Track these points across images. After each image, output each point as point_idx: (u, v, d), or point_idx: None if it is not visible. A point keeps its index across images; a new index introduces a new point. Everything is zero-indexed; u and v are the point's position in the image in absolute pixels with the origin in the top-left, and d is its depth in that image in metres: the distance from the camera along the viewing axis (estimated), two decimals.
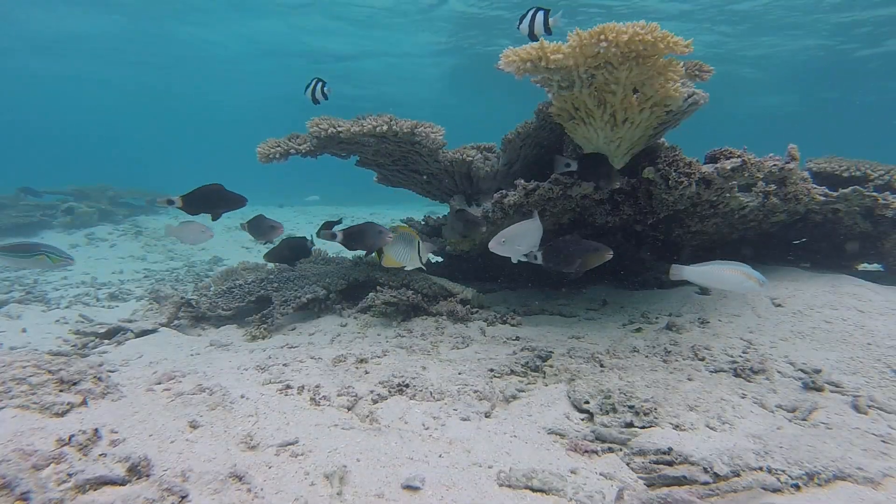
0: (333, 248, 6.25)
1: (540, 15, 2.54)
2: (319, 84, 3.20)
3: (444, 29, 14.31)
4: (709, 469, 1.46)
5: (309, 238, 3.16)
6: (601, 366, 2.23)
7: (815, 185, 3.09)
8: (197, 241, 2.83)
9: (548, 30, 2.55)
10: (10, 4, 12.38)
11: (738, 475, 1.45)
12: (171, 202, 2.53)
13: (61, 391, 1.68)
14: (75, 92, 25.27)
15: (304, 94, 3.24)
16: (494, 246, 2.21)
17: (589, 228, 3.25)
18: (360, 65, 18.13)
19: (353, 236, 2.51)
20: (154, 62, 18.04)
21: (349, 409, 1.88)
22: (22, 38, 14.99)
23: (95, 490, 1.28)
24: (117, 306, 4.19)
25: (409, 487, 1.40)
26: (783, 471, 1.44)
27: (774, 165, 2.93)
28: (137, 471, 1.34)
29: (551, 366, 2.26)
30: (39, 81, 21.90)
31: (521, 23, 2.57)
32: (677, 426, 1.72)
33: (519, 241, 2.24)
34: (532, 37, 2.54)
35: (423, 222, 4.28)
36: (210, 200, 2.63)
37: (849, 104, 21.59)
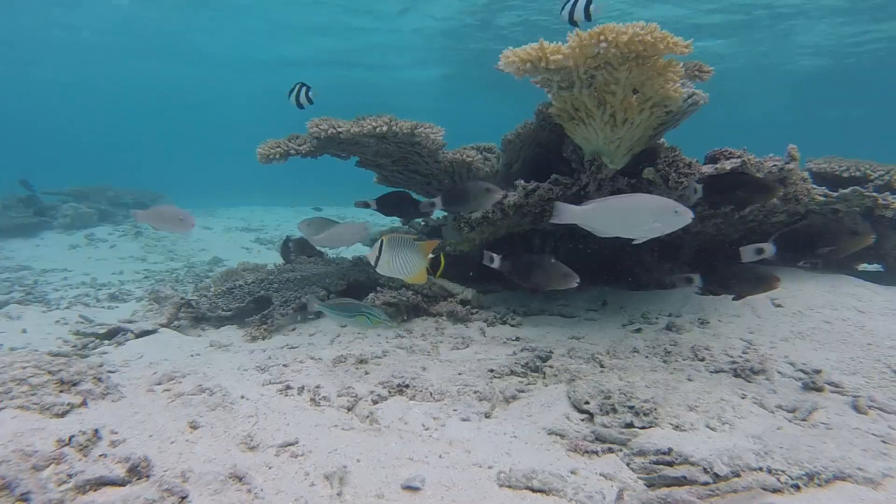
0: (333, 249, 6.24)
1: (582, 0, 2.47)
2: (304, 88, 3.12)
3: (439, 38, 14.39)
4: (709, 469, 1.46)
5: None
6: (601, 366, 2.23)
7: (815, 186, 3.09)
8: (357, 239, 2.79)
9: (587, 16, 2.46)
10: (10, 2, 12.39)
11: (738, 475, 1.45)
12: (367, 204, 2.83)
13: (61, 392, 1.68)
14: (74, 93, 25.28)
15: (288, 100, 3.14)
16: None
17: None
18: (356, 74, 18.22)
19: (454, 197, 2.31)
20: (154, 62, 18.05)
21: (349, 410, 1.88)
22: (20, 36, 15.00)
23: (95, 491, 1.28)
24: (117, 307, 4.19)
25: (409, 488, 1.40)
26: (783, 471, 1.44)
27: (774, 166, 2.93)
28: (137, 471, 1.35)
29: (551, 366, 2.26)
30: (38, 83, 21.92)
31: (563, 9, 2.54)
32: (677, 426, 1.72)
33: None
34: (572, 23, 2.48)
35: (423, 223, 4.28)
36: (399, 204, 2.85)
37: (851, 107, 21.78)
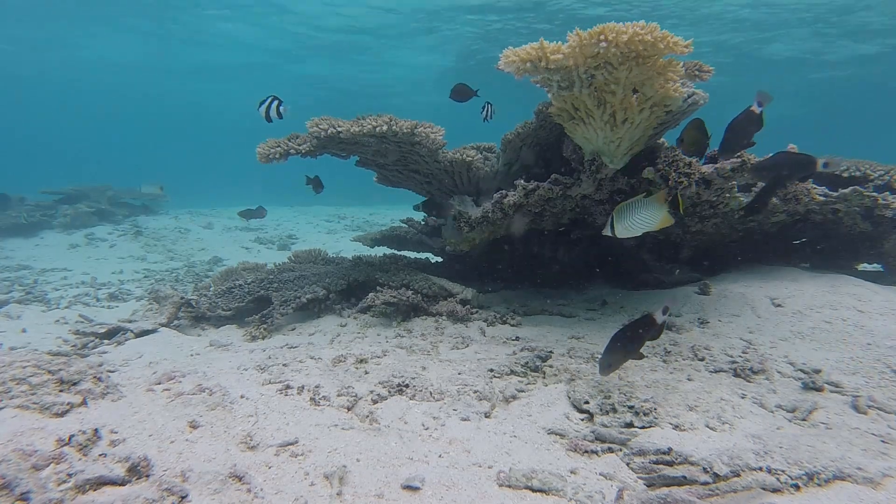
0: (334, 249, 6.24)
1: None
2: (275, 102, 3.08)
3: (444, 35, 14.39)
4: (708, 469, 1.46)
5: None
6: None
7: (814, 185, 3.09)
8: None
9: None
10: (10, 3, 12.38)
11: (738, 475, 1.45)
12: None
13: (61, 391, 1.68)
14: (74, 92, 25.27)
15: (258, 111, 3.10)
16: None
17: (589, 228, 3.25)
18: (355, 73, 18.20)
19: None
20: (151, 61, 18.04)
21: (349, 410, 1.88)
22: (18, 36, 14.99)
23: (95, 490, 1.28)
24: (117, 306, 4.19)
25: (408, 487, 1.40)
26: (783, 471, 1.44)
27: None
28: (137, 471, 1.35)
29: (551, 366, 2.26)
30: (37, 82, 21.91)
31: None
32: (677, 426, 1.72)
33: None
34: None
35: (423, 222, 4.28)
36: None
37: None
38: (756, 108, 2.16)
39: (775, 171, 2.36)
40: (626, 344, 1.80)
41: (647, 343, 2.44)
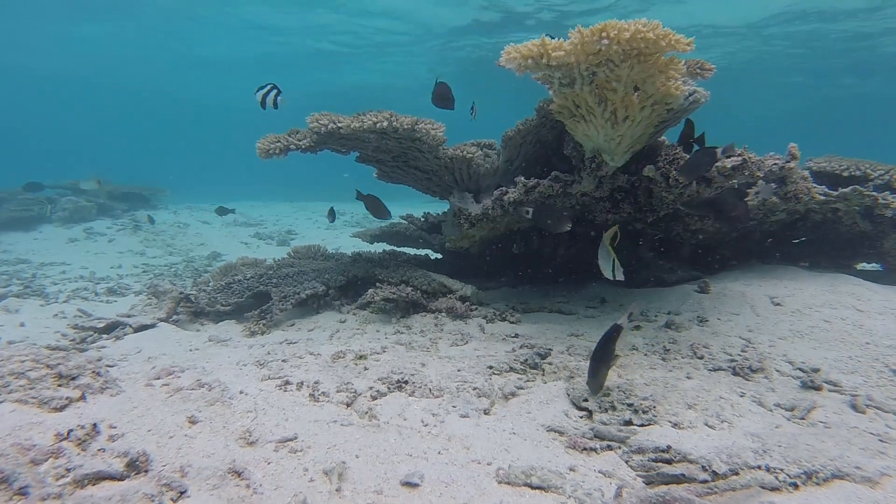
0: (333, 244, 6.24)
1: None
2: (273, 91, 3.04)
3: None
4: (707, 467, 1.46)
5: None
6: None
7: (815, 185, 3.09)
8: None
9: None
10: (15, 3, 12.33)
11: (737, 473, 1.45)
12: None
13: (60, 386, 1.68)
14: (71, 89, 25.18)
15: (254, 95, 3.04)
16: None
17: (589, 226, 3.25)
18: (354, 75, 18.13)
19: None
20: (154, 58, 17.97)
21: (348, 406, 1.88)
22: (21, 35, 14.92)
23: (94, 485, 1.28)
24: (116, 301, 4.19)
25: (407, 484, 1.40)
26: (782, 469, 1.45)
27: (775, 164, 2.92)
28: (136, 466, 1.34)
29: (550, 363, 2.26)
30: (36, 79, 21.83)
31: None
32: (676, 424, 1.72)
33: None
34: None
35: (422, 219, 4.28)
36: None
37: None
38: (719, 152, 2.36)
39: (714, 208, 2.64)
40: (606, 360, 1.85)
41: (647, 341, 2.45)
